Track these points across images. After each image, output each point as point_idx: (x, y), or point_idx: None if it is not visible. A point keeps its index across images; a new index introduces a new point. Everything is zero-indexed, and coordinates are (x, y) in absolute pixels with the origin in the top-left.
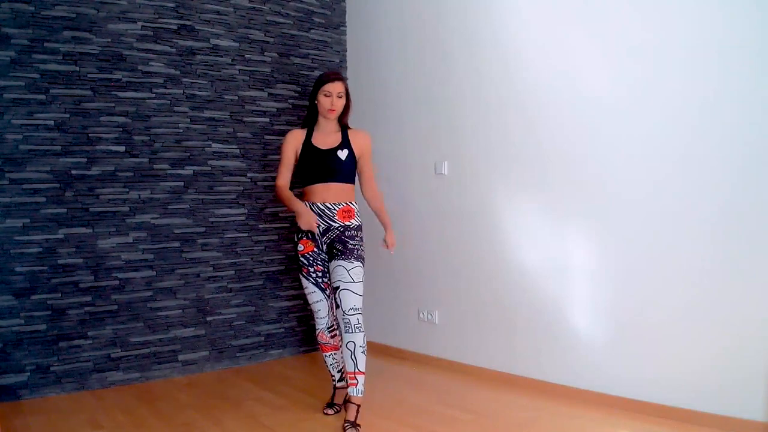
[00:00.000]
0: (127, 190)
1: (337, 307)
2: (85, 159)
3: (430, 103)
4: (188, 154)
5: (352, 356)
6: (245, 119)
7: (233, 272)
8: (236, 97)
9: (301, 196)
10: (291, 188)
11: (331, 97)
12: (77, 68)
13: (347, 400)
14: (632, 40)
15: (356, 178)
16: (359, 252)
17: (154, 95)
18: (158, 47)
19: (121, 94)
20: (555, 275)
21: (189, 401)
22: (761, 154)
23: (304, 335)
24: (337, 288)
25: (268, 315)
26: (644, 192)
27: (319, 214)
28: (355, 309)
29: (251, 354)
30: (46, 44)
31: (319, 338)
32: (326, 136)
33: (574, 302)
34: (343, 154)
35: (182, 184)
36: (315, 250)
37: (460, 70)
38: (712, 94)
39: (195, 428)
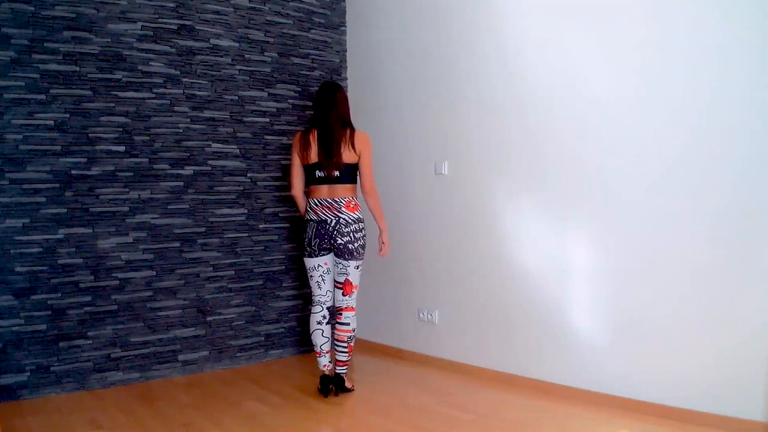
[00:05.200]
0: (127, 190)
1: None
2: (85, 159)
3: (430, 104)
4: (188, 154)
5: None
6: (245, 119)
7: (233, 272)
8: (236, 97)
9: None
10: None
11: None
12: (77, 68)
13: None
14: (632, 40)
15: (300, 180)
16: None
17: (154, 95)
18: (158, 47)
19: (121, 94)
20: (555, 275)
21: (189, 401)
22: (761, 154)
23: (304, 335)
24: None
25: (268, 315)
26: (644, 192)
27: None
28: None
29: (251, 354)
30: (46, 44)
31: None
32: None
33: (574, 302)
34: None
35: (182, 184)
36: None
37: (460, 70)
38: (712, 94)
39: (195, 428)
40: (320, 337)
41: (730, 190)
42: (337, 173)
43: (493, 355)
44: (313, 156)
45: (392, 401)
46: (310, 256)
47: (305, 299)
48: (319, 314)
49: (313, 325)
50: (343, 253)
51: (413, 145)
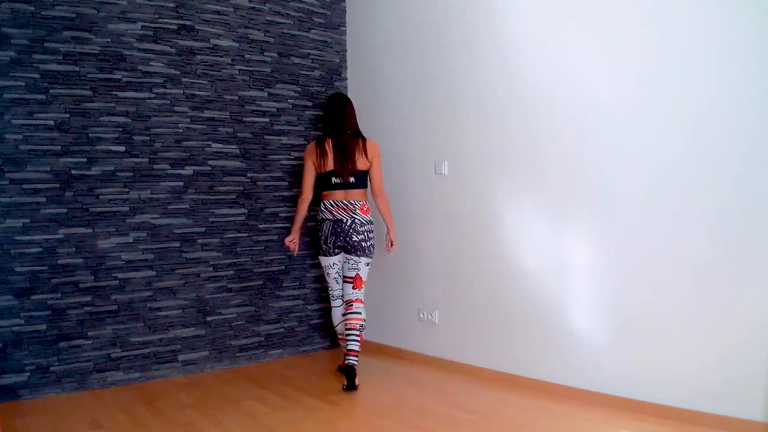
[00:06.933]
0: (127, 190)
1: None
2: (85, 159)
3: (430, 104)
4: (188, 154)
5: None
6: (245, 119)
7: (233, 272)
8: (236, 97)
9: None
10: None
11: None
12: (77, 68)
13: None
14: (632, 40)
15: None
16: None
17: (154, 95)
18: (158, 47)
19: (121, 94)
20: (555, 275)
21: (189, 401)
22: (761, 154)
23: (304, 335)
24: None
25: (268, 315)
26: (644, 192)
27: None
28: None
29: (251, 354)
30: (46, 44)
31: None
32: None
33: (574, 302)
34: None
35: (182, 184)
36: None
37: (460, 70)
38: (712, 94)
39: (195, 428)
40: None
41: (730, 190)
42: (352, 179)
43: (493, 355)
44: (330, 164)
45: (392, 401)
46: (325, 254)
47: (305, 299)
48: (341, 307)
49: (339, 318)
50: (356, 250)
51: (413, 145)
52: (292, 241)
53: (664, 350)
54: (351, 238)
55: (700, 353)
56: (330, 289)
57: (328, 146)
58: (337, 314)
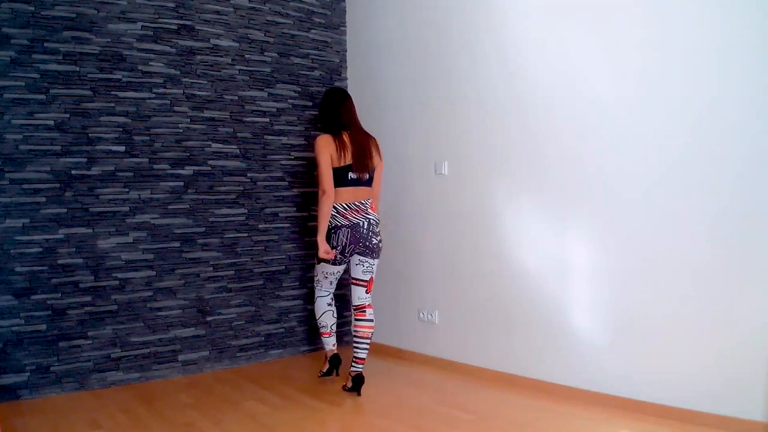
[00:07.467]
0: (127, 190)
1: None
2: (85, 159)
3: (430, 104)
4: (188, 154)
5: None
6: (245, 119)
7: (233, 272)
8: (236, 97)
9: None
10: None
11: None
12: (77, 68)
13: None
14: (632, 40)
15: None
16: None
17: (154, 95)
18: (158, 47)
19: (121, 94)
20: (555, 275)
21: (189, 401)
22: (761, 154)
23: (304, 335)
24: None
25: (268, 315)
26: (644, 192)
27: None
28: None
29: (251, 354)
30: (46, 44)
31: None
32: None
33: (574, 302)
34: None
35: (182, 184)
36: None
37: (460, 70)
38: (712, 94)
39: (195, 428)
40: (331, 317)
41: (730, 190)
42: (367, 176)
43: (493, 355)
44: (348, 158)
45: (392, 401)
46: (338, 263)
47: (305, 299)
48: (328, 297)
49: (324, 307)
50: (372, 252)
51: (413, 145)
52: (328, 251)
53: (664, 350)
54: (371, 241)
55: (700, 353)
56: (320, 286)
57: (347, 139)
58: (323, 303)
